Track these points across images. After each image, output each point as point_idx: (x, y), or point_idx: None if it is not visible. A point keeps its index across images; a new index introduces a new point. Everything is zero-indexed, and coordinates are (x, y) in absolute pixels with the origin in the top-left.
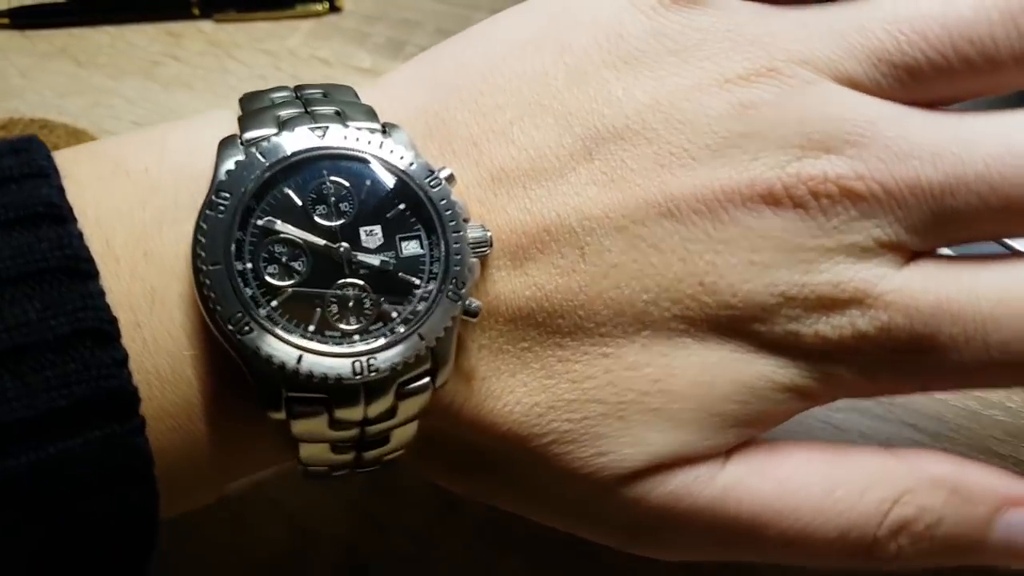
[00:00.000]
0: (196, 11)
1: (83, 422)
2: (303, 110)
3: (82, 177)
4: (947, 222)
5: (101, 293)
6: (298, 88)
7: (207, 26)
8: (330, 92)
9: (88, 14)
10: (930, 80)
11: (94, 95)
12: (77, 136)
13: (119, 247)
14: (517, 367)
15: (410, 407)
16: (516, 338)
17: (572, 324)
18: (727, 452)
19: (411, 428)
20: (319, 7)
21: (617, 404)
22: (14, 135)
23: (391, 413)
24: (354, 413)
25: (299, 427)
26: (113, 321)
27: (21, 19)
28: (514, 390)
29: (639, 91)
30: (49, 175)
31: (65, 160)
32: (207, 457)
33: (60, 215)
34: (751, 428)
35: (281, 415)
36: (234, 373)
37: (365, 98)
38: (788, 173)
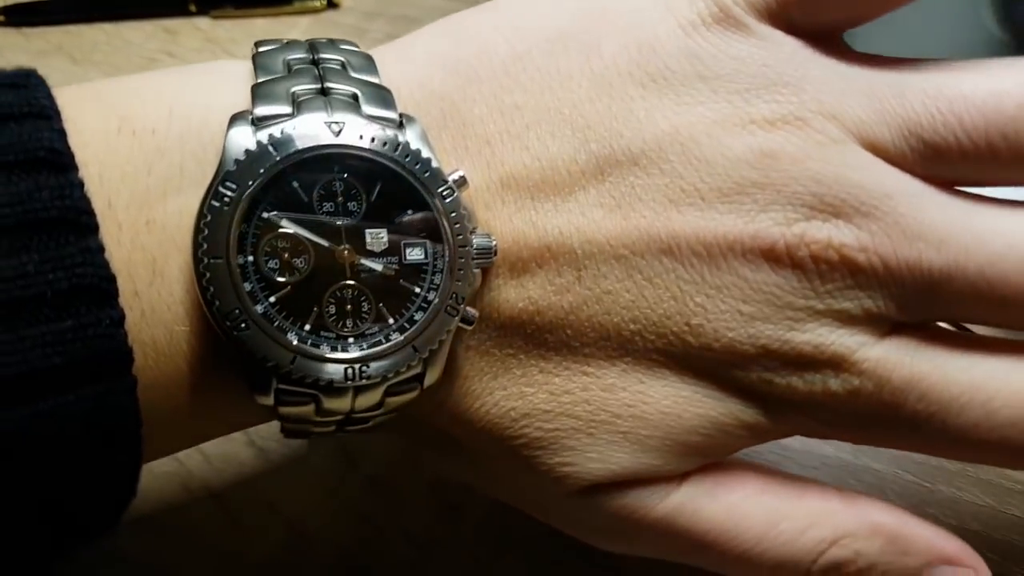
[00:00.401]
0: (193, 8)
1: (76, 379)
2: (319, 86)
3: (86, 126)
4: (937, 304)
5: (100, 249)
6: (313, 48)
7: (204, 23)
8: (349, 62)
9: (84, 11)
10: (955, 162)
11: None
12: None
13: (122, 211)
14: (500, 371)
15: (396, 402)
16: (503, 344)
17: (558, 340)
18: (683, 474)
19: (393, 415)
20: (317, 3)
21: (589, 421)
22: None
23: (378, 406)
24: (342, 406)
25: (287, 412)
26: (112, 279)
27: (17, 16)
28: (493, 392)
29: (660, 116)
30: (51, 116)
31: (67, 101)
32: (191, 424)
33: (62, 162)
34: (709, 456)
35: (269, 401)
36: (226, 354)
37: (384, 75)
38: (793, 232)
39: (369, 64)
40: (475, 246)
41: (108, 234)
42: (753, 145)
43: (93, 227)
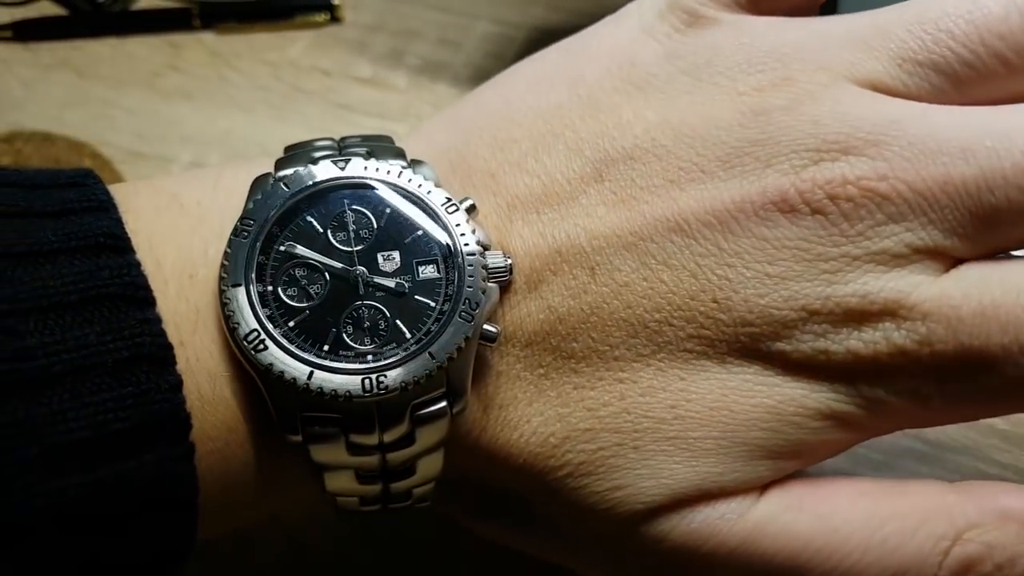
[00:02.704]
0: (197, 23)
1: (137, 445)
2: (337, 152)
3: (140, 207)
4: (991, 221)
5: (158, 320)
6: (342, 139)
7: (208, 37)
8: (368, 138)
9: (90, 26)
10: (964, 81)
11: (95, 107)
12: (78, 149)
13: (168, 268)
14: (533, 395)
15: (429, 435)
16: (533, 364)
17: (586, 347)
18: (762, 487)
19: (436, 460)
20: (320, 18)
21: (632, 433)
22: (16, 147)
23: (409, 439)
24: (369, 438)
25: (318, 454)
26: (169, 347)
27: (24, 32)
28: (530, 419)
29: (649, 112)
30: (108, 208)
31: (125, 193)
32: (242, 483)
33: (120, 245)
34: (788, 461)
35: (298, 438)
36: (262, 400)
37: (398, 142)
38: (803, 178)
39: (387, 138)
40: (491, 266)
41: (156, 289)
42: (743, 108)
43: (150, 301)
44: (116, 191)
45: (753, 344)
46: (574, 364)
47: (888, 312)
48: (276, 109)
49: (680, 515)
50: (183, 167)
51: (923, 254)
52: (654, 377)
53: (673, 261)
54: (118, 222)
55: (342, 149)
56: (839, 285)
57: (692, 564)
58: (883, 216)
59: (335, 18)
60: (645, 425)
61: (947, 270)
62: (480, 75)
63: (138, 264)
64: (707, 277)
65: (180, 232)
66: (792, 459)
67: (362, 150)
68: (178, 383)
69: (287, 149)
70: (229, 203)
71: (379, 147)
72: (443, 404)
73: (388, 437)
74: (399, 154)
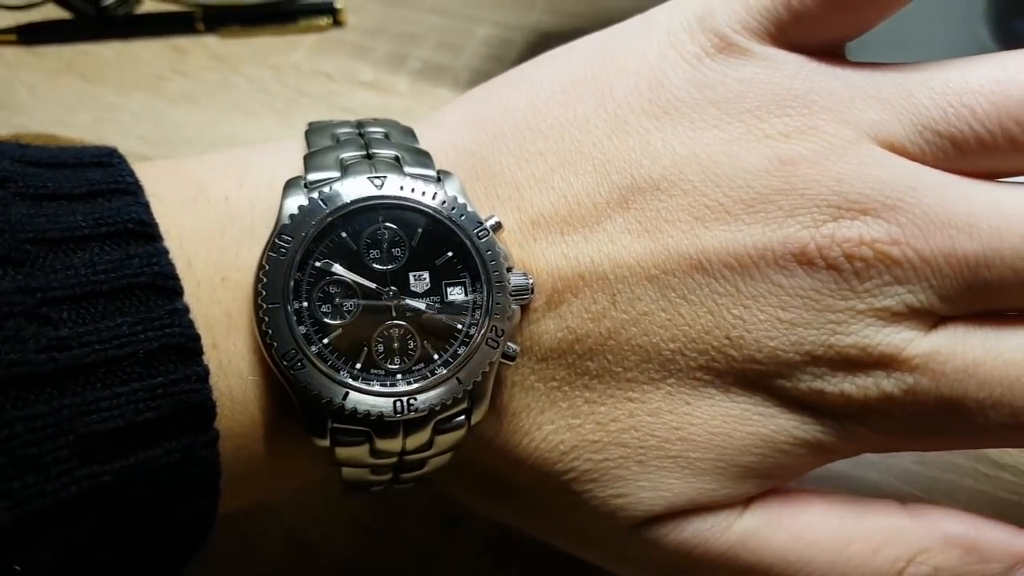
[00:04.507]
0: (201, 27)
1: (165, 433)
2: (364, 153)
3: (166, 197)
4: (980, 293)
5: (186, 310)
6: (361, 124)
7: (212, 41)
8: (391, 133)
9: (95, 30)
10: (974, 154)
11: (100, 110)
12: None
13: (200, 270)
14: (545, 405)
15: (446, 441)
16: (547, 376)
17: (600, 367)
18: (745, 501)
19: (446, 457)
20: (322, 22)
21: (638, 448)
22: None
23: (428, 445)
24: (393, 445)
25: (343, 453)
26: (197, 338)
27: (29, 36)
28: (541, 427)
29: (677, 142)
30: (135, 192)
31: (147, 177)
32: (261, 472)
33: (148, 232)
34: (771, 480)
35: (326, 443)
36: (288, 399)
37: (421, 141)
38: (823, 234)
39: (408, 133)
40: (512, 284)
41: (188, 291)
42: (771, 155)
43: (179, 290)
44: (140, 171)
45: (757, 379)
46: (587, 380)
47: (883, 363)
48: (279, 112)
49: (673, 523)
50: None
51: (918, 313)
52: (663, 400)
53: (692, 296)
54: (146, 207)
55: (367, 146)
56: (842, 335)
57: (681, 566)
58: (890, 277)
59: (337, 22)
60: (650, 443)
61: (932, 326)
62: (480, 78)
63: (166, 252)
64: (723, 315)
65: (210, 231)
66: (774, 478)
67: (389, 154)
68: (205, 373)
69: (308, 134)
70: (257, 199)
71: (406, 150)
72: (463, 417)
73: (410, 445)
74: (425, 160)
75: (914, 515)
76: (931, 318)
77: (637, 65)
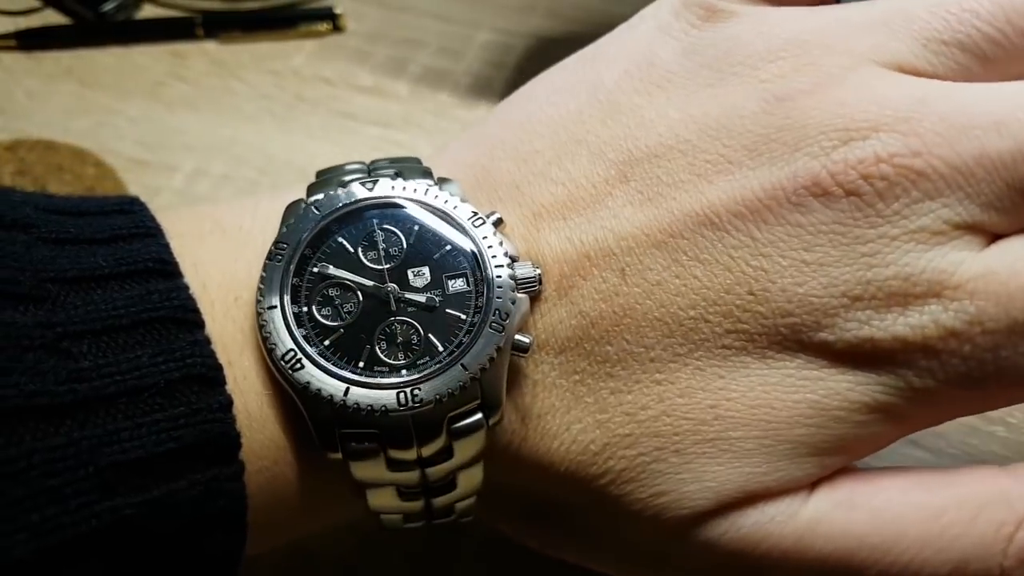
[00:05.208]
0: (200, 32)
1: (189, 465)
2: (366, 175)
3: (184, 232)
4: None
5: (207, 341)
6: (372, 163)
7: (211, 47)
8: (396, 160)
9: (93, 35)
10: (989, 60)
11: (99, 115)
12: (81, 157)
13: (214, 291)
14: (571, 402)
15: (467, 447)
16: (568, 371)
17: (620, 350)
18: (811, 485)
19: (476, 472)
20: (322, 27)
21: (673, 436)
22: (20, 156)
23: (448, 453)
24: (408, 453)
25: (359, 470)
26: (219, 367)
27: (28, 41)
28: (570, 427)
29: (671, 109)
30: (155, 234)
31: (169, 220)
32: (288, 500)
33: (168, 270)
34: (834, 457)
35: (338, 455)
36: (302, 417)
37: (426, 162)
38: (834, 160)
39: (413, 158)
40: (520, 276)
41: (203, 311)
42: (766, 95)
43: (200, 323)
44: (160, 217)
45: (794, 336)
46: (609, 368)
47: (933, 293)
48: (279, 118)
49: (729, 520)
50: (186, 175)
51: (962, 230)
52: (692, 376)
53: (705, 256)
54: (166, 247)
55: (371, 171)
56: (880, 268)
57: (744, 569)
58: (919, 193)
59: (337, 27)
60: (685, 427)
61: (987, 245)
62: (481, 83)
63: (187, 287)
64: (741, 269)
65: (224, 256)
66: (838, 455)
67: (390, 171)
68: (228, 403)
69: (319, 174)
70: (268, 227)
71: (407, 167)
72: (479, 416)
73: (426, 451)
74: (426, 173)
75: (1015, 474)
76: (982, 235)
77: (627, 54)
